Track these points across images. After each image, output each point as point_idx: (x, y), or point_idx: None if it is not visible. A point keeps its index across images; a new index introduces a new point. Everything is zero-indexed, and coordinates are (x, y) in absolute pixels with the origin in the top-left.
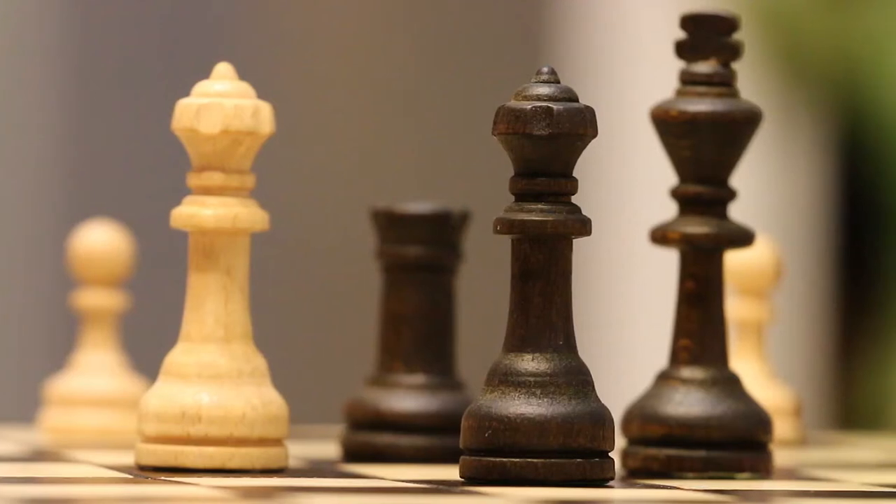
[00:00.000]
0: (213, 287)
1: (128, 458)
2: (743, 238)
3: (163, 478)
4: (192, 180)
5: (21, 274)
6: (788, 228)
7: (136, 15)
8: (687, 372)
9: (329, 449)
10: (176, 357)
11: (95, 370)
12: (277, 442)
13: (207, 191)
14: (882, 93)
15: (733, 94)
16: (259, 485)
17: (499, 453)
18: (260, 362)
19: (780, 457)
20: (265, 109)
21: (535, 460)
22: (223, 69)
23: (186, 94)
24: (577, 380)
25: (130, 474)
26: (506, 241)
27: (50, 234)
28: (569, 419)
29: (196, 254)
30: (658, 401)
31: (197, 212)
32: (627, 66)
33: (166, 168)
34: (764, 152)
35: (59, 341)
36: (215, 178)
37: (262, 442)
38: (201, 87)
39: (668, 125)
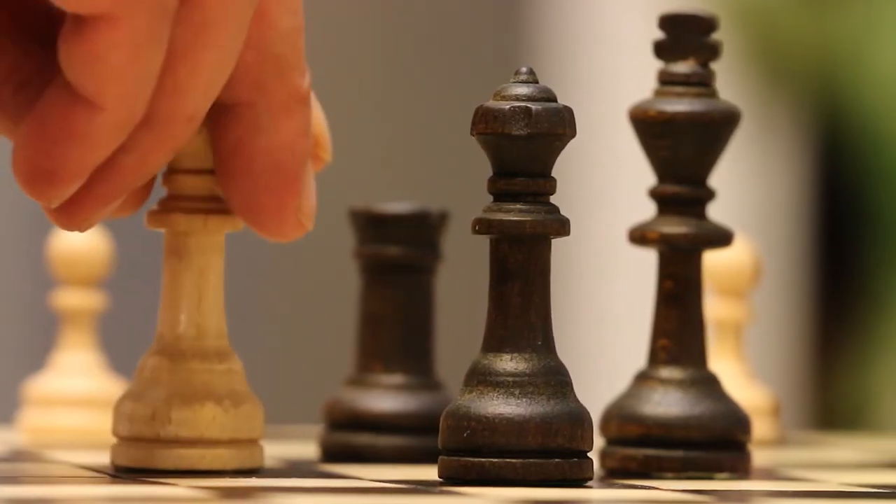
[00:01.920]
0: (187, 287)
1: (106, 459)
2: (721, 238)
3: (141, 478)
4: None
5: None
6: (767, 228)
7: None
8: (665, 372)
9: (307, 449)
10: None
11: (74, 370)
12: (251, 442)
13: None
14: (860, 92)
15: (712, 94)
16: (238, 485)
17: (477, 453)
18: (234, 362)
19: (759, 457)
20: None
21: (513, 460)
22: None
23: None
24: (555, 380)
25: (109, 474)
26: (485, 241)
27: (28, 234)
28: (547, 419)
29: (170, 254)
30: (636, 401)
31: (170, 212)
32: (606, 66)
33: None
34: (742, 152)
35: (37, 341)
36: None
37: (233, 443)
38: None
39: (647, 125)
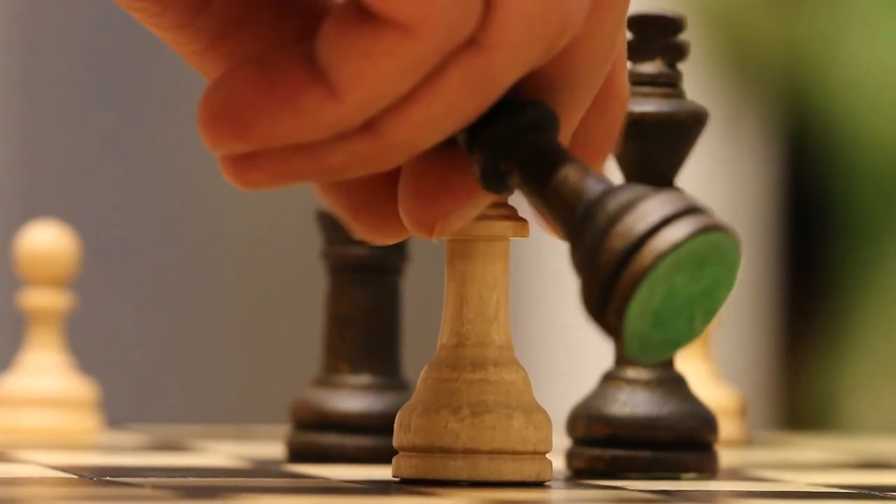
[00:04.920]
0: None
1: (74, 459)
2: None
3: (107, 478)
4: None
5: None
6: (734, 228)
7: (82, 18)
8: (632, 372)
9: (274, 449)
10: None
11: (41, 370)
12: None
13: None
14: (828, 92)
15: (679, 94)
16: (204, 485)
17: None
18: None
19: (726, 457)
20: None
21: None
22: None
23: (132, 94)
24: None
25: (76, 475)
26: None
27: None
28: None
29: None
30: (603, 401)
31: None
32: None
33: (112, 169)
34: (710, 153)
35: (4, 342)
36: None
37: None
38: None
39: None
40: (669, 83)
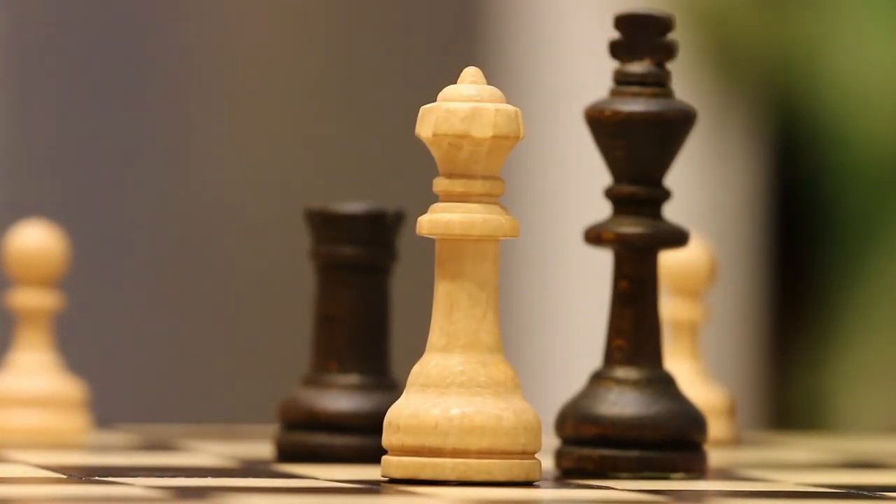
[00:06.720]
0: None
1: (62, 459)
2: (677, 238)
3: (96, 477)
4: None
5: None
6: (723, 228)
7: (71, 17)
8: (621, 372)
9: (263, 449)
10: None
11: (30, 370)
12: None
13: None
14: (816, 92)
15: (667, 94)
16: (193, 485)
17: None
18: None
19: (714, 457)
20: (518, 114)
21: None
22: (473, 72)
23: (119, 95)
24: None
25: (65, 474)
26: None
27: None
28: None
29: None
30: (592, 401)
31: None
32: (562, 66)
33: (101, 169)
34: (698, 152)
35: None
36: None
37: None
38: (454, 91)
39: (602, 125)
40: (658, 83)
